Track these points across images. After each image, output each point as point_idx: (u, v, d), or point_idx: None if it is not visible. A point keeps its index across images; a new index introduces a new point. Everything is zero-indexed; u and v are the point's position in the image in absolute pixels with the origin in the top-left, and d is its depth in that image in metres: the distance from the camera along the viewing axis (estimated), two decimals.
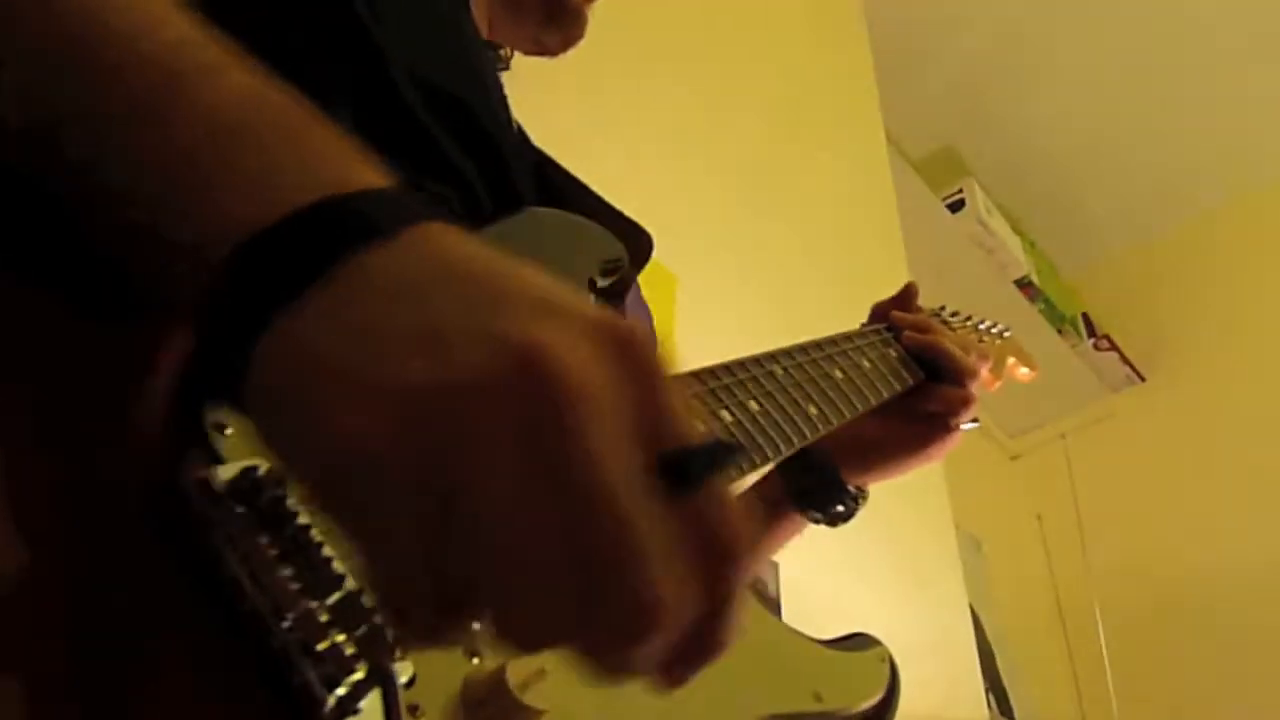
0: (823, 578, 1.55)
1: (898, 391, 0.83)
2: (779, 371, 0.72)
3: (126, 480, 0.35)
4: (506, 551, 0.28)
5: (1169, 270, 3.29)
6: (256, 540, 0.35)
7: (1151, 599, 2.87)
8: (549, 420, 0.28)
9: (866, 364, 0.82)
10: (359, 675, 0.33)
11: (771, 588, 1.45)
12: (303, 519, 0.37)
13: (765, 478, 0.87)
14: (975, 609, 2.20)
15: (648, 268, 0.66)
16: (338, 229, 0.32)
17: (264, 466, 0.37)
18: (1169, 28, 2.92)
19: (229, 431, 0.38)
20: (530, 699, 0.38)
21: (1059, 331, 3.22)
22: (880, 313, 0.94)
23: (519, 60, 1.43)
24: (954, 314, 1.03)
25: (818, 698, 0.53)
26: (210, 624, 0.33)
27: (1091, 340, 3.28)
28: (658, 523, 0.29)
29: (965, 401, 0.86)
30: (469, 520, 0.28)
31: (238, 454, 0.37)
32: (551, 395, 0.28)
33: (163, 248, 0.34)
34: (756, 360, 0.71)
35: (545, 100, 1.48)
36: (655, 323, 1.41)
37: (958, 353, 0.88)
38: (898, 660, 0.62)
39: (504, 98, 0.73)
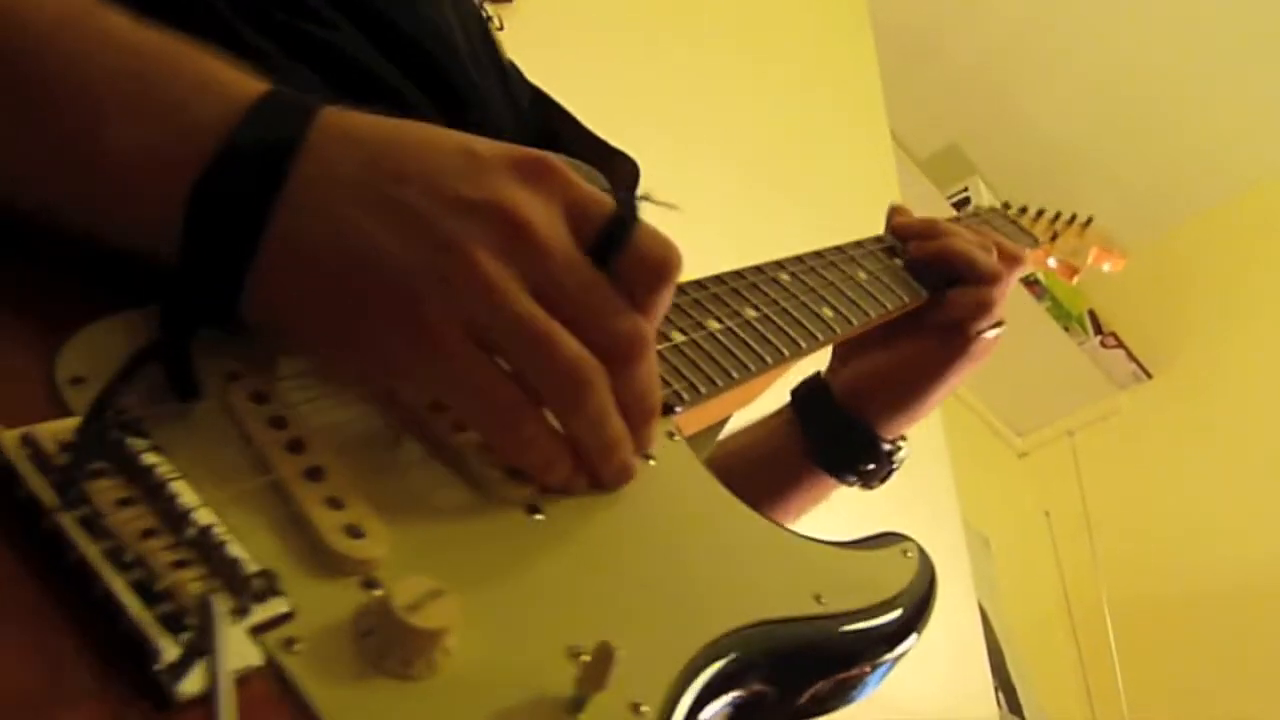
0: None
1: (907, 305, 0.75)
2: (785, 278, 0.70)
3: None
4: (525, 323, 0.40)
5: (1175, 267, 3.28)
6: (96, 485, 0.34)
7: (1160, 595, 2.87)
8: (526, 242, 0.40)
9: (879, 269, 0.77)
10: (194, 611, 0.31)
11: None
12: (153, 459, 0.35)
13: (788, 436, 0.78)
14: (983, 607, 2.20)
15: None
16: (293, 110, 0.40)
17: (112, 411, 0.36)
18: (1172, 24, 2.92)
19: (89, 383, 0.37)
20: (420, 621, 0.35)
21: (1065, 329, 3.22)
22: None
23: (521, 60, 1.43)
24: (1022, 209, 0.97)
25: (818, 599, 0.48)
26: (37, 589, 0.32)
27: (1098, 338, 3.27)
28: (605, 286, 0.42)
29: (982, 304, 0.76)
30: (498, 320, 0.40)
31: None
32: (519, 229, 0.40)
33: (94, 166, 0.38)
34: (759, 268, 0.69)
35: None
36: None
37: (975, 253, 0.78)
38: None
39: (489, 43, 0.71)
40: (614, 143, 0.72)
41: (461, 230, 0.39)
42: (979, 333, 0.77)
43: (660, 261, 0.43)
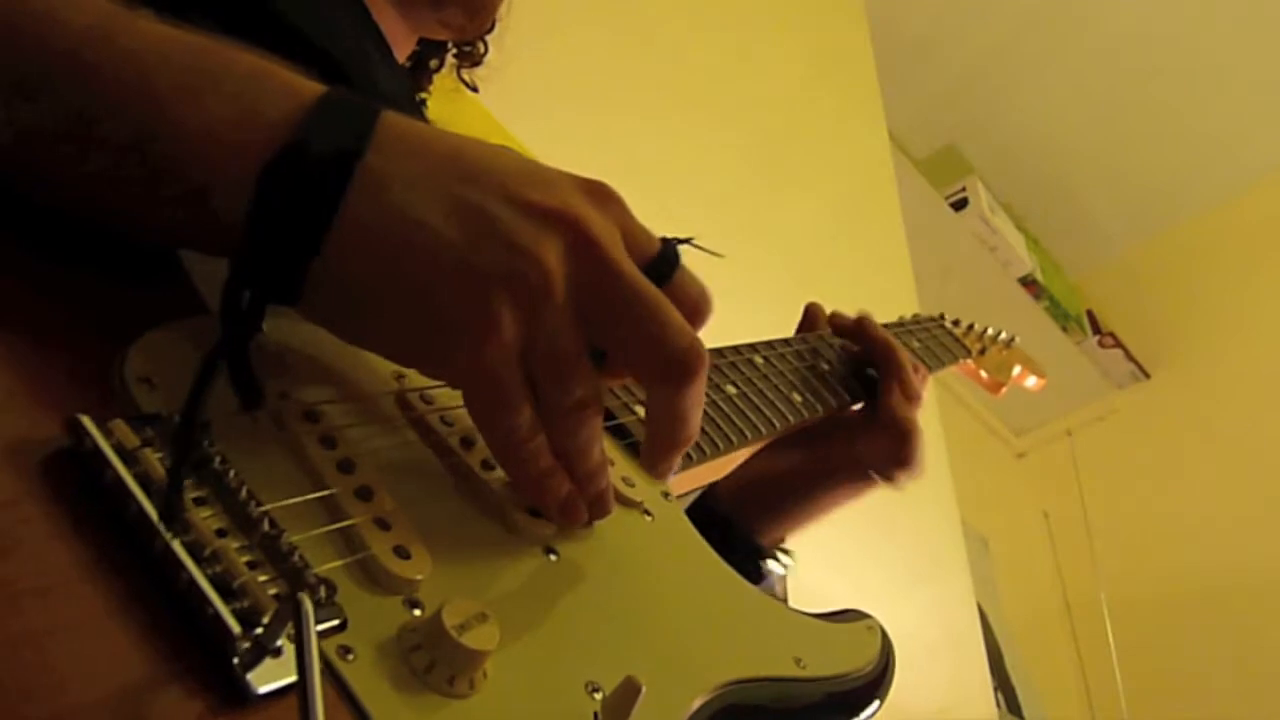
0: (830, 577, 1.55)
1: (825, 410, 0.76)
2: (759, 360, 0.73)
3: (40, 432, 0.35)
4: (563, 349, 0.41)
5: (1173, 267, 3.28)
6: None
7: (1158, 595, 2.87)
8: (594, 256, 0.41)
9: (830, 364, 0.80)
10: (274, 610, 0.33)
11: (779, 587, 1.45)
12: (221, 463, 0.36)
13: None
14: (983, 607, 2.20)
15: None
16: (361, 107, 0.40)
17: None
18: (1171, 23, 2.92)
19: (156, 385, 0.38)
20: (469, 640, 0.36)
21: (1063, 329, 3.22)
22: (809, 323, 0.86)
23: (522, 63, 1.44)
24: (955, 322, 1.02)
25: (799, 663, 0.51)
26: (117, 574, 0.33)
27: (1096, 337, 3.27)
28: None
29: (910, 460, 0.76)
30: (551, 326, 0.40)
31: (160, 407, 0.38)
32: (590, 242, 0.41)
33: (166, 165, 0.38)
34: (736, 349, 0.72)
35: (544, 100, 1.49)
36: None
37: (908, 366, 0.79)
38: (905, 658, 0.60)
39: (411, 102, 0.73)
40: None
41: (533, 233, 0.40)
42: (889, 481, 0.77)
43: (698, 300, 0.45)
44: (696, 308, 0.45)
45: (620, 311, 0.42)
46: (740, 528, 0.78)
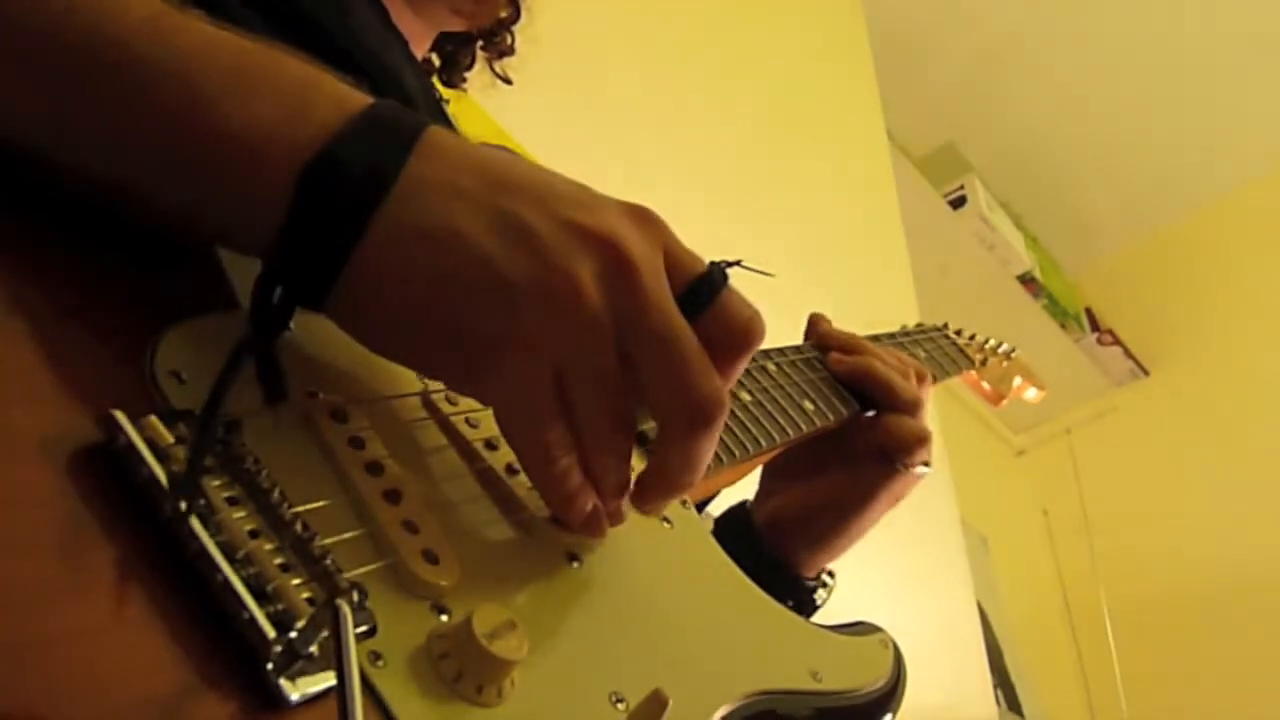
0: None
1: (836, 418, 0.75)
2: (772, 367, 0.73)
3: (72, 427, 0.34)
4: (597, 370, 0.40)
5: (1171, 264, 3.28)
6: (208, 481, 0.35)
7: (1158, 592, 2.87)
8: (630, 282, 0.41)
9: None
10: (309, 615, 0.32)
11: None
12: (254, 463, 0.36)
13: None
14: (982, 605, 2.20)
15: None
16: (407, 118, 0.41)
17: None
18: (1169, 21, 2.92)
19: (185, 379, 0.38)
20: (499, 649, 0.36)
21: (1062, 327, 3.22)
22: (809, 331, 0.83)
23: (519, 64, 1.44)
24: (958, 331, 1.02)
25: (815, 676, 0.51)
26: (151, 573, 0.32)
27: (1095, 335, 3.27)
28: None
29: (919, 438, 0.75)
30: (580, 354, 0.40)
31: (190, 403, 0.37)
32: (625, 265, 0.40)
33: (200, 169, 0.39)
34: None
35: (542, 104, 1.49)
36: None
37: (894, 378, 0.76)
38: (905, 657, 0.60)
39: (436, 106, 0.73)
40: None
41: (571, 253, 0.40)
42: (908, 467, 0.77)
43: (744, 327, 0.44)
44: (742, 333, 0.44)
45: (646, 345, 0.41)
46: (789, 566, 0.76)
